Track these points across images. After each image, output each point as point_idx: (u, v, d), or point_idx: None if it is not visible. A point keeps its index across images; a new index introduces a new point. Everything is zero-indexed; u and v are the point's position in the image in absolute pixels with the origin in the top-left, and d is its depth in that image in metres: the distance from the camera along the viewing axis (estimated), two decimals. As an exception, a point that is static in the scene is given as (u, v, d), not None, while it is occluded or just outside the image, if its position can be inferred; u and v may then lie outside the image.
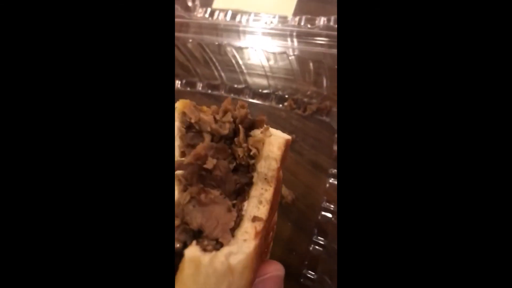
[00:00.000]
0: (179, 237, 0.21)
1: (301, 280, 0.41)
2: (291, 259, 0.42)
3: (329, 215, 0.42)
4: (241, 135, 0.25)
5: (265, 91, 0.50)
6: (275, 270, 0.28)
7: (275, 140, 0.26)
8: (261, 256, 0.25)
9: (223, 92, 0.54)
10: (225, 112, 0.25)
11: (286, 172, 0.45)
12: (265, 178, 0.25)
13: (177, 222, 0.21)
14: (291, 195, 0.45)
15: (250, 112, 0.26)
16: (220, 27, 0.53)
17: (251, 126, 0.26)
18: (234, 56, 0.52)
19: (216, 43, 0.51)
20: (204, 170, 0.23)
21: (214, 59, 0.53)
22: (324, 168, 0.43)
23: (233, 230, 0.22)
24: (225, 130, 0.24)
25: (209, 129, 0.24)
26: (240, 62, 0.52)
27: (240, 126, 0.25)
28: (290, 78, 0.49)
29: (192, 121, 0.24)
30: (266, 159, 0.25)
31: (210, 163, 0.22)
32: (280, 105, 0.48)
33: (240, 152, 0.24)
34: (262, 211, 0.24)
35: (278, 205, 0.28)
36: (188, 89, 0.57)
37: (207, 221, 0.21)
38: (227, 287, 0.22)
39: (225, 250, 0.21)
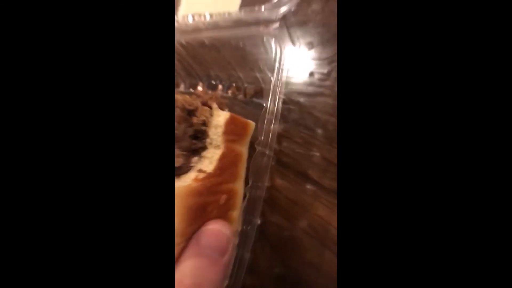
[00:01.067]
0: None
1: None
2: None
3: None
4: (199, 109, 0.33)
5: (212, 81, 0.52)
6: (218, 225, 0.30)
7: (221, 114, 0.33)
8: (205, 210, 0.29)
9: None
10: (196, 97, 0.35)
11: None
12: (216, 144, 0.32)
13: None
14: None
15: (212, 97, 0.35)
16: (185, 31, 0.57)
17: (206, 104, 0.35)
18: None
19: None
20: None
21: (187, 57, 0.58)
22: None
23: (179, 172, 0.29)
24: (191, 106, 0.33)
25: (179, 105, 0.32)
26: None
27: (199, 104, 0.33)
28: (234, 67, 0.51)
29: None
30: (216, 127, 0.33)
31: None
32: (226, 92, 0.50)
33: (195, 119, 0.32)
34: (208, 167, 0.30)
35: (235, 179, 0.33)
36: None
37: None
38: None
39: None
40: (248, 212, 0.37)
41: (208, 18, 0.53)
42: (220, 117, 0.33)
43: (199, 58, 0.54)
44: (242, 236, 0.37)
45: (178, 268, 0.27)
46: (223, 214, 0.31)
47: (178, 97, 0.33)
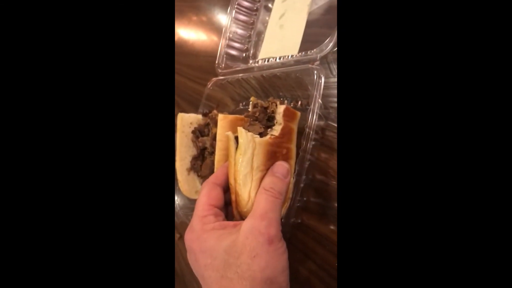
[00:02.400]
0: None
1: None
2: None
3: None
4: (270, 106, 0.60)
5: (281, 99, 0.83)
6: (283, 162, 0.51)
7: (281, 106, 0.57)
8: (275, 155, 0.52)
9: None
10: (269, 102, 0.61)
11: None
12: (280, 123, 0.56)
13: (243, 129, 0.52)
14: (292, 154, 0.73)
15: (277, 100, 0.61)
16: (264, 67, 0.90)
17: (276, 104, 0.61)
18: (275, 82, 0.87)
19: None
20: (255, 117, 0.61)
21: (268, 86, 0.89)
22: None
23: (261, 135, 0.53)
24: (266, 105, 0.60)
25: (260, 105, 0.60)
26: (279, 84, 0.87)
27: (271, 104, 0.61)
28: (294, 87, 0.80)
29: (254, 102, 0.64)
30: (278, 114, 0.57)
31: (257, 113, 0.58)
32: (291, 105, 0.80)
33: (268, 111, 0.58)
34: (275, 132, 0.54)
35: (290, 142, 0.57)
36: (246, 107, 0.95)
37: (251, 128, 0.57)
38: (252, 150, 0.50)
39: (253, 134, 0.51)
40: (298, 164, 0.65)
41: (278, 59, 0.84)
42: (281, 108, 0.57)
43: (273, 85, 0.86)
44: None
45: (261, 183, 0.50)
46: (285, 159, 0.59)
47: (260, 102, 0.60)
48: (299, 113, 0.61)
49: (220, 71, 0.89)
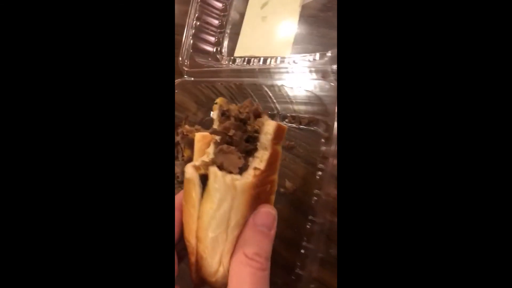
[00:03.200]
0: (207, 167, 0.39)
1: (302, 251, 0.54)
2: (293, 233, 0.56)
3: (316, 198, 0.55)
4: (251, 118, 0.42)
5: (273, 112, 0.67)
6: (268, 208, 0.39)
7: (270, 123, 0.41)
8: (259, 197, 0.39)
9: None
10: (245, 107, 0.43)
11: (287, 169, 0.60)
12: (265, 146, 0.40)
13: (210, 161, 0.39)
14: (292, 187, 0.59)
15: (259, 107, 0.43)
16: (242, 70, 0.72)
17: (258, 115, 0.43)
18: (267, 92, 0.69)
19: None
20: (228, 136, 0.40)
21: (252, 93, 0.70)
22: (314, 164, 0.57)
23: (240, 171, 0.37)
24: (242, 115, 0.41)
25: (234, 114, 0.40)
26: (270, 93, 0.69)
27: (251, 114, 0.42)
28: (292, 101, 0.65)
29: (224, 109, 0.42)
30: (265, 134, 0.40)
31: (231, 132, 0.40)
32: (284, 121, 0.65)
33: (249, 128, 0.40)
34: (260, 165, 0.38)
35: (275, 172, 0.42)
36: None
37: (225, 161, 0.38)
38: (231, 198, 0.36)
39: (233, 175, 0.36)
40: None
41: (261, 61, 0.67)
42: (270, 126, 0.40)
43: (257, 92, 0.69)
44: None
45: (240, 243, 0.36)
46: (267, 198, 0.41)
47: (231, 107, 0.41)
48: (286, 128, 0.45)
49: (186, 69, 0.69)
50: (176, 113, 0.72)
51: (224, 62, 0.75)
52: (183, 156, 0.62)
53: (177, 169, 0.62)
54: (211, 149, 0.42)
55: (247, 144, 0.41)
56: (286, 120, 0.64)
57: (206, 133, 0.61)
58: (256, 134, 0.41)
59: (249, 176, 0.37)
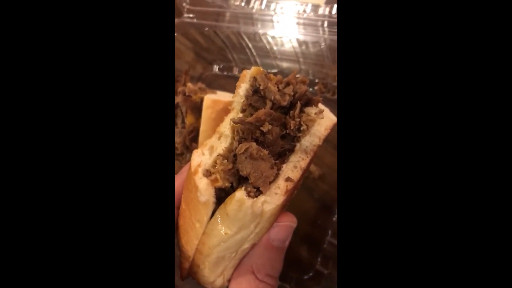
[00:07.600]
0: (228, 178, 0.27)
1: (324, 246, 0.46)
2: (315, 230, 0.47)
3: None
4: (297, 110, 0.29)
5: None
6: (290, 221, 0.32)
7: (324, 122, 0.30)
8: (284, 207, 0.30)
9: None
10: (288, 85, 0.29)
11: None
12: (305, 150, 0.29)
13: (229, 165, 0.28)
14: (318, 171, 0.49)
15: (308, 89, 0.30)
16: (255, 17, 0.57)
17: (307, 103, 0.30)
18: (269, 43, 0.56)
19: (252, 32, 0.55)
20: (259, 131, 0.28)
21: (250, 46, 0.58)
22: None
23: (270, 183, 0.27)
24: (285, 102, 0.28)
25: (272, 98, 0.28)
26: (274, 48, 0.56)
27: (298, 102, 0.29)
28: (320, 63, 0.53)
29: (261, 87, 0.29)
30: (312, 136, 0.29)
31: (266, 127, 0.28)
32: (311, 89, 0.53)
33: (292, 124, 0.28)
34: (295, 175, 0.29)
35: (306, 172, 0.32)
36: (225, 73, 0.62)
37: (254, 172, 0.27)
38: (255, 225, 0.28)
39: (262, 198, 0.27)
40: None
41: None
42: (321, 126, 0.29)
43: (280, 49, 0.56)
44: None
45: (250, 258, 0.32)
46: (289, 201, 0.32)
47: (271, 86, 0.28)
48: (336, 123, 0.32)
49: (186, 7, 0.54)
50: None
51: (235, 2, 0.59)
52: (183, 123, 0.49)
53: (176, 139, 0.49)
54: (228, 130, 0.29)
55: (284, 143, 0.29)
56: (316, 87, 0.52)
57: (217, 98, 0.48)
58: (298, 134, 0.29)
59: (280, 194, 0.28)
